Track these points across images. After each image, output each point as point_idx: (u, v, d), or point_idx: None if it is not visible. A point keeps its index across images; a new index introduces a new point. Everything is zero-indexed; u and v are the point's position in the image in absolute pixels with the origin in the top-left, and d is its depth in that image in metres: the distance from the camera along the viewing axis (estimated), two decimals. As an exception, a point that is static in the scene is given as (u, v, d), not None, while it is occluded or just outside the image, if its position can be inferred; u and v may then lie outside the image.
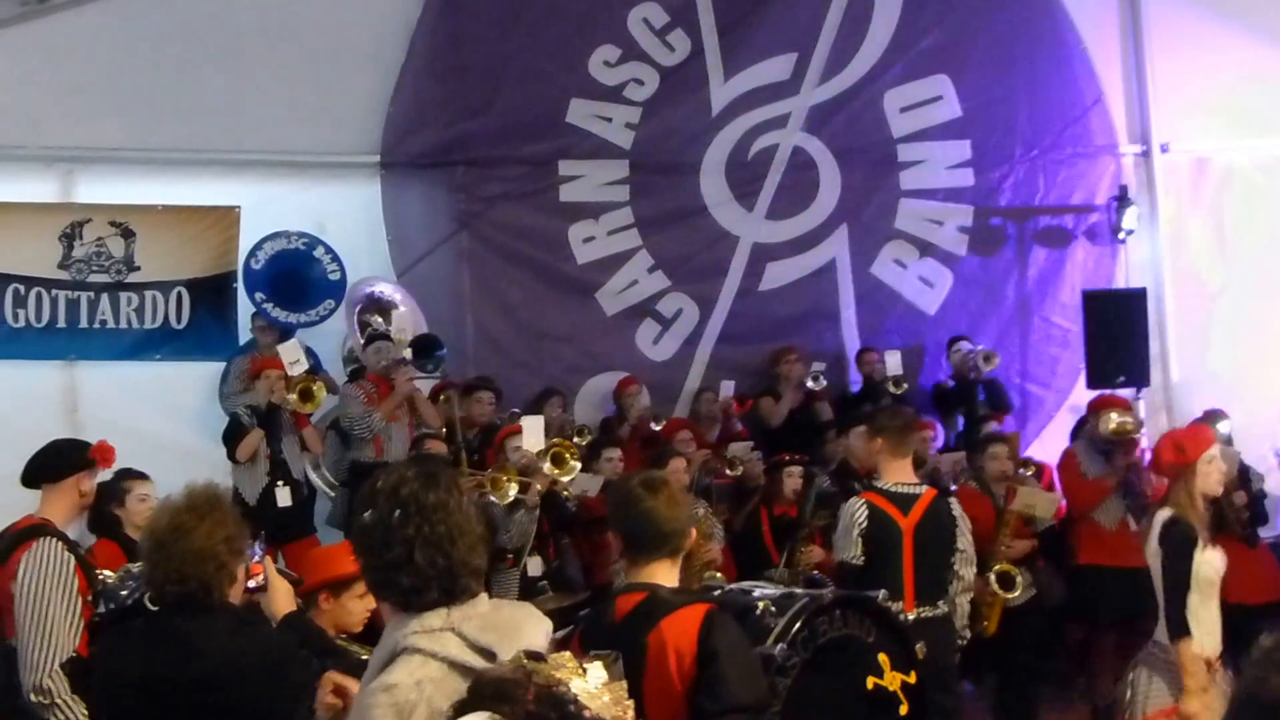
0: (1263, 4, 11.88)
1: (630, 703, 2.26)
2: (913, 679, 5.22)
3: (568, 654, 2.30)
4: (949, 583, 6.68)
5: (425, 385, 10.25)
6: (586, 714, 2.14)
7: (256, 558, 4.28)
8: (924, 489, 6.86)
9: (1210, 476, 5.89)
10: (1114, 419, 9.50)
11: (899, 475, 6.80)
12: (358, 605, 4.73)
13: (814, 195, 11.92)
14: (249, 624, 3.98)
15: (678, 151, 11.79)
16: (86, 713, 5.04)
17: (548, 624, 2.97)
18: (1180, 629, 5.69)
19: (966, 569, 6.75)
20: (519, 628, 2.87)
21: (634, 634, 3.90)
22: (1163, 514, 5.89)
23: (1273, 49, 11.78)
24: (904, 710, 5.08)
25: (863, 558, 6.65)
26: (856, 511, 6.68)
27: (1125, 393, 10.85)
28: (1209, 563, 5.79)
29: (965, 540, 6.73)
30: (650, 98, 11.70)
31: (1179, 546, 5.74)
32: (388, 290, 10.62)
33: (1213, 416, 9.68)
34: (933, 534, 6.68)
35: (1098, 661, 9.12)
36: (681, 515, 4.14)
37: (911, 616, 6.47)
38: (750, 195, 11.85)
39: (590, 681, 2.21)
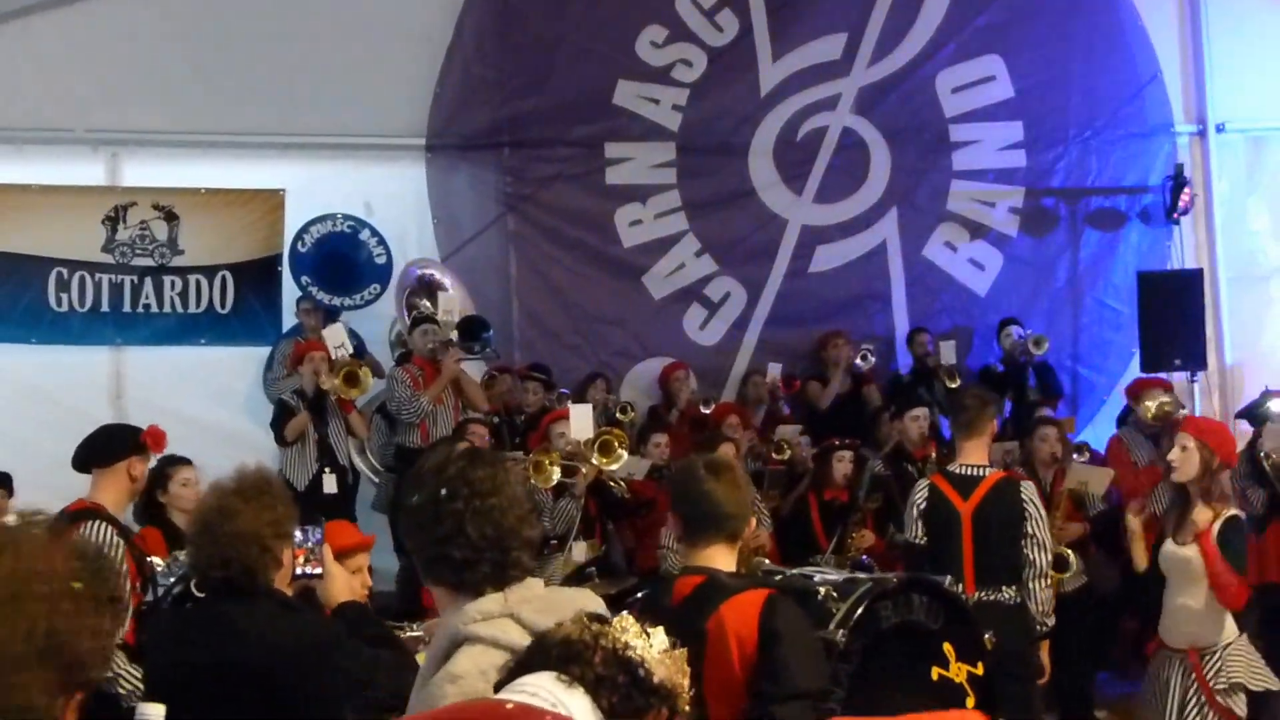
0: (1323, -19, 11.67)
1: (688, 669, 2.21)
2: (980, 670, 5.07)
3: (629, 617, 2.23)
4: (1022, 567, 6.51)
5: (473, 369, 10.20)
6: (654, 678, 2.10)
7: (310, 544, 4.19)
8: (989, 472, 6.72)
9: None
10: (1152, 405, 9.36)
11: (970, 456, 6.70)
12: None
13: (864, 177, 11.79)
14: (294, 609, 3.91)
15: (726, 133, 11.68)
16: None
17: (603, 606, 2.89)
18: None
19: (1039, 554, 6.55)
20: (577, 608, 2.79)
21: (693, 618, 3.79)
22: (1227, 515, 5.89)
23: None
24: (971, 703, 4.93)
25: (924, 538, 6.61)
26: (918, 493, 6.68)
27: (1180, 375, 10.68)
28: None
29: (1035, 525, 6.53)
30: (698, 79, 11.60)
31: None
32: (436, 272, 10.56)
33: (1269, 396, 9.50)
34: (994, 518, 6.54)
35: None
36: (742, 499, 4.06)
37: (971, 600, 6.35)
38: (799, 178, 11.73)
39: (655, 646, 2.16)
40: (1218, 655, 5.87)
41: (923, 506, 6.60)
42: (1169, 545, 6.00)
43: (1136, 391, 9.85)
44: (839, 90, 11.75)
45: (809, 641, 3.88)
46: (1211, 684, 5.81)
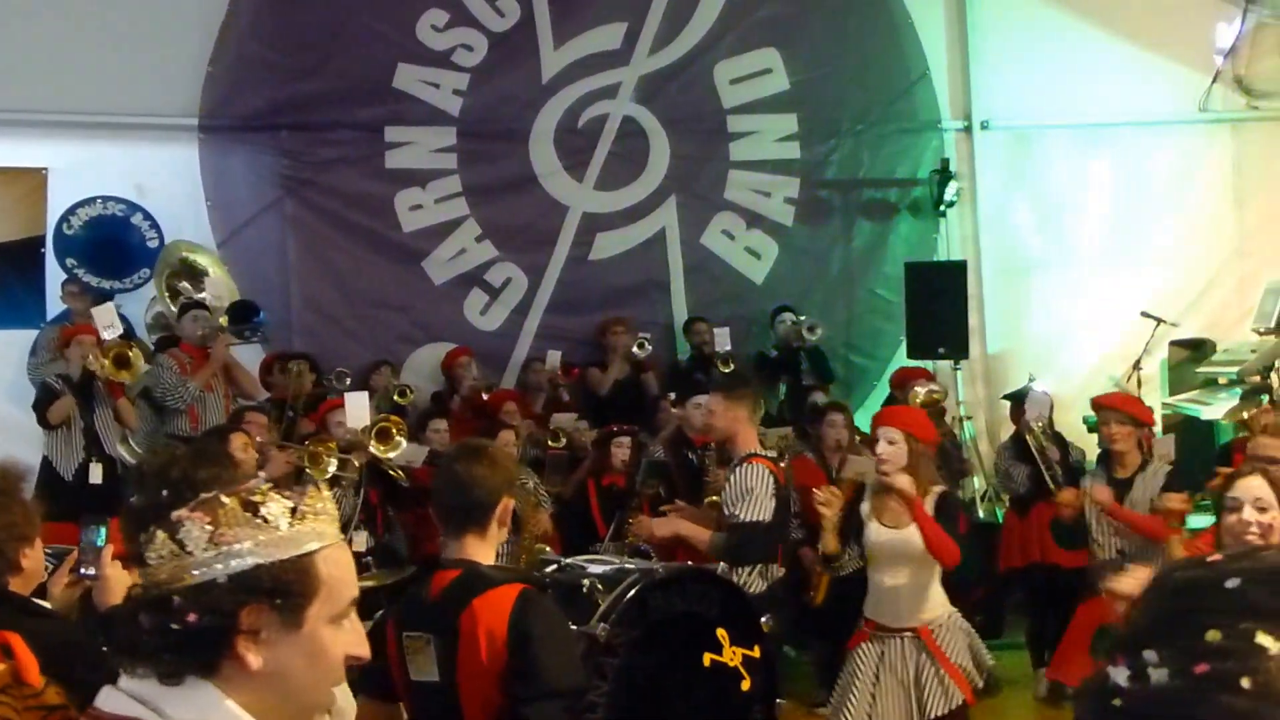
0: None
1: None
2: (756, 653, 5.19)
3: None
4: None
5: (252, 356, 10.03)
6: None
7: (86, 544, 4.08)
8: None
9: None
10: (921, 391, 9.72)
11: (758, 443, 6.78)
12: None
13: (644, 165, 11.92)
14: (35, 614, 3.79)
15: (507, 119, 11.68)
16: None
17: None
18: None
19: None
20: None
21: (448, 613, 3.74)
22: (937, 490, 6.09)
23: (1092, 28, 12.12)
24: (746, 686, 5.05)
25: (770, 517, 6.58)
26: (764, 474, 6.55)
27: (944, 363, 11.10)
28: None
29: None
30: (479, 64, 11.58)
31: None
32: (199, 257, 10.33)
33: (1030, 383, 9.95)
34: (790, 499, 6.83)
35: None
36: (490, 483, 3.87)
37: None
38: (580, 165, 11.80)
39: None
40: (945, 627, 6.05)
41: (774, 489, 6.56)
42: (878, 530, 6.12)
43: (900, 380, 10.18)
44: (620, 79, 11.86)
45: (563, 638, 3.82)
46: (948, 655, 5.97)
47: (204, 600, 1.89)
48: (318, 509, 2.00)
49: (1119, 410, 7.36)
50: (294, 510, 1.96)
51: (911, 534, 5.96)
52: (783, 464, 7.79)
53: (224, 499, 1.93)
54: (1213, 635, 1.26)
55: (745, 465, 6.48)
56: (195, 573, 1.90)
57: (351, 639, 2.06)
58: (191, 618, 1.88)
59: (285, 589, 1.93)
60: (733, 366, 11.12)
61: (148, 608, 1.92)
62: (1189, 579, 1.35)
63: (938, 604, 6.11)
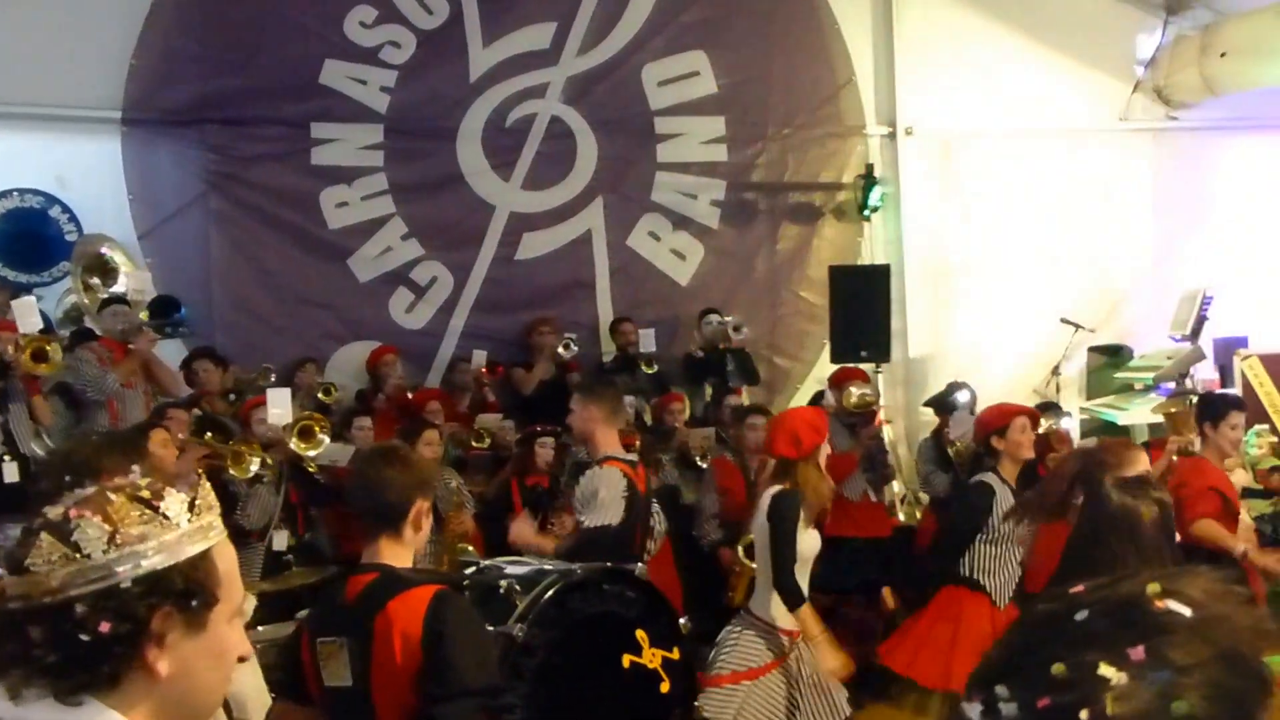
0: (1006, -7, 12.41)
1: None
2: (675, 655, 5.20)
3: None
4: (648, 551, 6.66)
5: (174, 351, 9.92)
6: None
7: None
8: (637, 459, 6.75)
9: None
10: (855, 393, 9.81)
11: (617, 445, 6.60)
12: None
13: (571, 166, 11.94)
14: None
15: (434, 118, 11.66)
16: None
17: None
18: (798, 598, 5.97)
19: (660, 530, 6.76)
20: None
21: (362, 617, 3.73)
22: (772, 490, 6.14)
23: (1016, 38, 12.32)
24: (665, 688, 5.06)
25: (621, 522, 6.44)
26: (616, 477, 6.47)
27: (866, 367, 11.20)
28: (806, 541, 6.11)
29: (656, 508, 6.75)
30: (407, 62, 11.55)
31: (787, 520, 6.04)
32: (115, 253, 10.21)
33: (955, 387, 10.06)
34: (649, 502, 6.68)
35: (840, 629, 9.39)
36: (402, 487, 3.87)
37: None
38: (507, 164, 11.80)
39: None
40: None
41: (625, 491, 6.45)
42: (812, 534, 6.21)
43: (839, 380, 10.27)
44: (548, 79, 11.87)
45: (477, 638, 3.81)
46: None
47: (113, 606, 1.78)
48: (210, 502, 1.93)
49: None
50: (191, 504, 1.89)
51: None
52: (672, 464, 7.82)
53: (110, 495, 1.83)
54: (1058, 668, 1.28)
55: (596, 469, 6.43)
56: (95, 577, 1.79)
57: (241, 637, 2.00)
58: (105, 627, 1.78)
59: (197, 589, 1.86)
60: (655, 368, 11.19)
61: (37, 618, 1.78)
62: (1044, 612, 1.36)
63: None
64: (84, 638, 1.78)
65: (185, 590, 1.85)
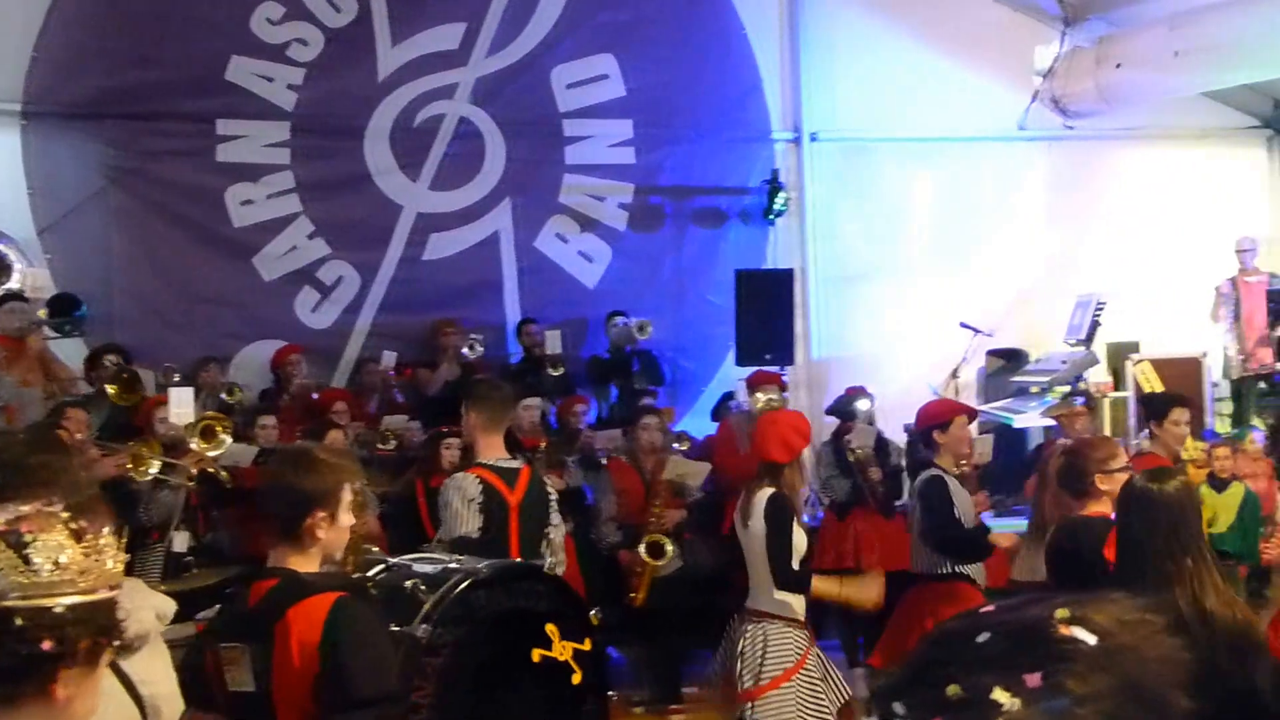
0: (908, 4, 12.63)
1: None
2: (587, 646, 5.23)
3: None
4: (543, 557, 6.40)
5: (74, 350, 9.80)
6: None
7: None
8: (522, 464, 6.63)
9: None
10: (761, 398, 9.94)
11: (498, 451, 6.46)
12: None
13: (479, 167, 11.95)
14: None
15: (342, 116, 11.62)
16: None
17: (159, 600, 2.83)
18: (805, 581, 6.20)
19: (559, 538, 6.62)
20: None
21: (264, 622, 3.69)
22: (768, 493, 6.22)
23: (919, 47, 12.53)
24: (577, 679, 5.09)
25: (479, 531, 6.25)
26: (470, 485, 6.32)
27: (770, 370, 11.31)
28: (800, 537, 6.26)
29: (557, 515, 6.60)
30: (315, 59, 11.51)
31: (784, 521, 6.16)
32: (9, 252, 10.08)
33: (855, 395, 10.21)
34: (534, 509, 6.46)
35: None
36: (301, 492, 3.79)
37: None
38: (415, 165, 11.78)
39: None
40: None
41: (480, 499, 6.28)
42: (740, 525, 6.33)
43: (756, 383, 10.37)
44: (457, 79, 11.87)
45: (374, 645, 3.75)
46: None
47: (48, 625, 1.77)
48: (116, 544, 1.92)
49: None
50: (107, 545, 1.90)
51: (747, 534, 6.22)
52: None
53: (52, 519, 1.83)
54: (953, 689, 1.27)
55: (451, 479, 6.42)
56: (37, 594, 1.77)
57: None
58: (47, 645, 1.76)
59: (115, 627, 1.88)
60: (562, 370, 11.24)
61: None
62: (948, 631, 1.37)
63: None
64: (23, 651, 1.77)
65: (107, 625, 1.86)
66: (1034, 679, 1.26)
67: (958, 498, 6.82)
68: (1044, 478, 7.00)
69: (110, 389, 8.94)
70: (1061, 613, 1.32)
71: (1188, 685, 1.33)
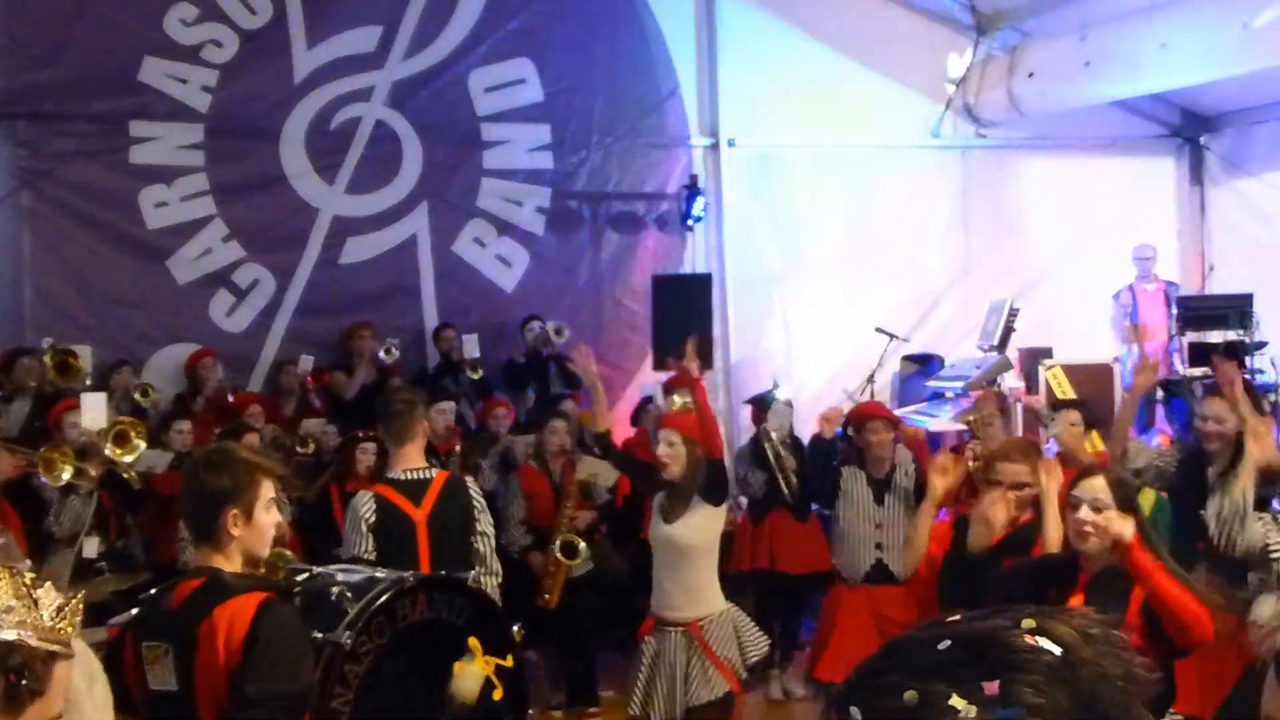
0: (823, 12, 12.74)
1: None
2: (509, 662, 5.24)
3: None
4: (474, 564, 6.28)
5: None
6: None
7: None
8: (435, 473, 6.50)
9: None
10: (677, 400, 9.99)
11: (411, 460, 6.37)
12: None
13: (397, 170, 11.91)
14: None
15: (257, 118, 11.52)
16: None
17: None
18: None
19: (487, 548, 6.44)
20: None
21: (187, 622, 3.71)
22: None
23: (833, 54, 12.66)
24: (498, 695, 5.10)
25: (374, 552, 6.11)
26: (364, 506, 6.19)
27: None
28: None
29: (486, 520, 6.50)
30: (230, 61, 11.39)
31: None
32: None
33: (780, 386, 10.34)
34: (450, 520, 6.34)
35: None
36: (212, 492, 3.79)
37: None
38: (332, 167, 11.71)
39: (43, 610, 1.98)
40: (715, 622, 6.35)
41: (371, 519, 6.15)
42: (663, 527, 6.40)
43: (671, 387, 10.42)
44: (373, 82, 11.83)
45: (292, 645, 3.75)
46: (714, 649, 6.28)
47: (9, 660, 1.80)
48: (78, 616, 1.95)
49: (884, 418, 7.73)
50: (59, 609, 1.91)
51: (682, 531, 6.30)
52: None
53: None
54: (910, 696, 1.28)
55: (356, 496, 6.37)
56: None
57: None
58: (12, 678, 1.79)
59: (34, 678, 1.89)
60: (480, 374, 11.24)
61: None
62: (906, 638, 1.37)
63: (711, 601, 6.43)
64: None
65: (18, 667, 1.86)
66: (992, 687, 1.26)
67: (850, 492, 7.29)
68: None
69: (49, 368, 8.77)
70: (1028, 622, 1.32)
71: (1148, 705, 1.33)
